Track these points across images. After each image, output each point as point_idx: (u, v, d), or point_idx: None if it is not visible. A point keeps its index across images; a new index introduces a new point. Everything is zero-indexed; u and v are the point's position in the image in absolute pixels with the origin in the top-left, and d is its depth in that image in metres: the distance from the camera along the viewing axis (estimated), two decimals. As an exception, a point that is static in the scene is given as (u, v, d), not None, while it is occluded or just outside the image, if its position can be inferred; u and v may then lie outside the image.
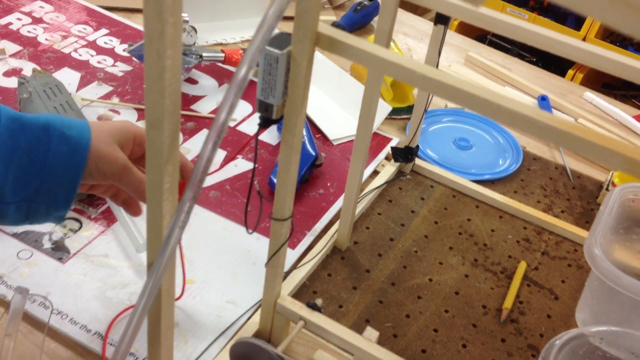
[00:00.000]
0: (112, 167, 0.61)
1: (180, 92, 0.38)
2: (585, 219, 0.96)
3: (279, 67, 0.51)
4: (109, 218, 0.83)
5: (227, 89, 0.38)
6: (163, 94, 0.35)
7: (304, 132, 0.99)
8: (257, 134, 0.56)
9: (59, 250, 0.77)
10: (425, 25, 1.44)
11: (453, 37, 1.43)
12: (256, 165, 0.96)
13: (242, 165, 0.95)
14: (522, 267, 0.86)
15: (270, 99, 0.53)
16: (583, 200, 1.00)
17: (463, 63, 1.32)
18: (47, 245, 0.78)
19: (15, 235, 0.78)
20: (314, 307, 0.68)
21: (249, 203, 0.57)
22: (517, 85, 1.26)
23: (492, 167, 1.04)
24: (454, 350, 0.75)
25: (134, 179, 0.62)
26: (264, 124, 0.55)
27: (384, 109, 1.09)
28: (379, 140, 1.06)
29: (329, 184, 0.95)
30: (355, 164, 0.79)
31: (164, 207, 0.41)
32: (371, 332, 0.66)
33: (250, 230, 0.62)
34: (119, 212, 0.80)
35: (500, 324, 0.78)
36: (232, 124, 1.03)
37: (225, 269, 0.79)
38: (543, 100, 1.19)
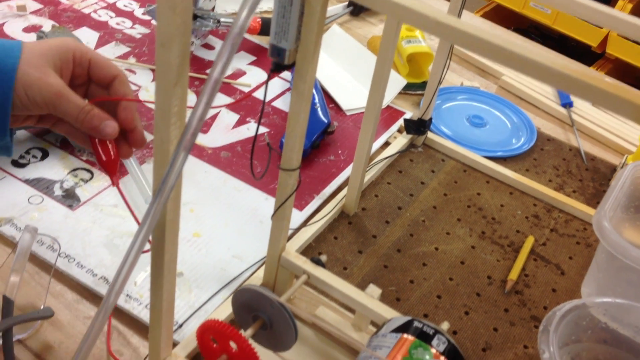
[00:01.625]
0: (43, 94, 0.54)
1: (192, 11, 0.38)
2: (597, 200, 0.95)
3: (293, 10, 0.51)
4: (120, 170, 0.83)
5: (223, 43, 0.38)
6: (174, 11, 0.36)
7: (317, 99, 1.00)
8: (268, 79, 0.56)
9: (69, 198, 0.78)
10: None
11: (473, 20, 1.41)
12: (269, 131, 0.96)
13: (254, 128, 0.96)
14: (529, 241, 0.85)
15: (283, 42, 0.53)
16: (596, 182, 0.99)
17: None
18: (58, 192, 0.79)
19: (27, 182, 0.79)
20: (318, 262, 0.68)
21: (254, 149, 0.57)
22: (535, 68, 1.25)
23: (505, 145, 1.03)
24: (457, 316, 0.74)
25: (71, 107, 0.55)
26: (276, 69, 0.55)
27: (398, 82, 1.09)
28: (392, 114, 1.06)
29: (339, 152, 0.95)
30: (365, 129, 0.79)
31: (172, 131, 0.41)
32: (374, 289, 0.66)
33: (258, 178, 0.62)
34: (130, 164, 0.81)
35: (504, 294, 0.78)
36: (246, 89, 1.04)
37: (232, 225, 0.79)
38: (560, 83, 1.18)
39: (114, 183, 0.61)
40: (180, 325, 0.67)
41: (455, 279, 0.79)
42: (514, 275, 0.80)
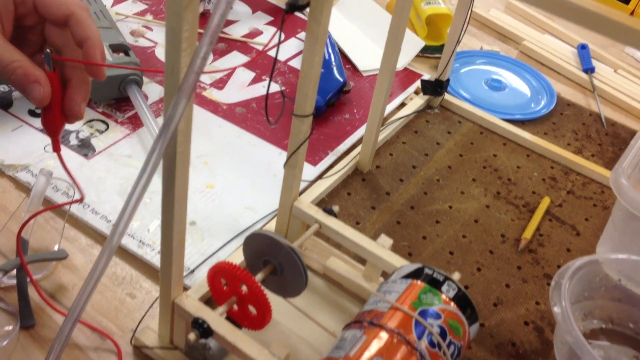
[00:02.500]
0: None
1: None
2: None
3: (308, -54, 0.50)
4: (135, 123, 0.84)
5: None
6: None
7: (333, 59, 0.99)
8: (282, 20, 0.55)
9: (85, 148, 0.79)
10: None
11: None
12: (284, 88, 0.96)
13: (270, 86, 0.95)
14: (545, 202, 0.84)
15: (298, -19, 0.52)
16: (615, 146, 0.98)
17: (503, 10, 1.29)
18: (73, 142, 0.79)
19: (43, 131, 0.80)
20: (330, 212, 0.68)
21: (269, 92, 0.56)
22: (556, 34, 1.23)
23: (524, 109, 1.02)
24: (468, 272, 0.74)
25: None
26: (290, 10, 0.54)
27: (416, 44, 1.07)
28: (410, 76, 1.04)
29: (355, 111, 0.94)
30: (380, 87, 0.78)
31: (182, 58, 0.41)
32: (385, 240, 0.66)
33: (272, 124, 0.61)
34: (145, 116, 0.81)
35: (517, 252, 0.77)
36: (260, 48, 1.03)
37: (245, 178, 0.79)
38: (583, 49, 1.16)
39: (55, 148, 0.53)
40: (192, 271, 0.67)
41: (469, 237, 0.78)
42: (528, 234, 0.79)
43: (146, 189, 0.43)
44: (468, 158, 0.91)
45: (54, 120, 0.51)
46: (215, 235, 0.71)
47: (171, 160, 0.46)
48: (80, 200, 0.57)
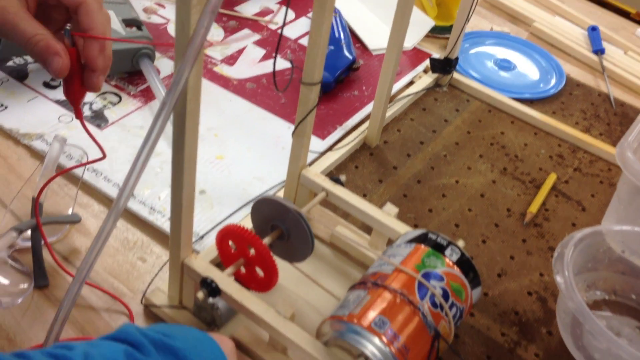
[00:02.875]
0: None
1: None
2: (624, 144, 0.94)
3: None
4: (147, 96, 0.85)
5: None
6: None
7: (343, 37, 1.00)
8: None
9: (98, 119, 0.80)
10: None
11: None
12: (292, 57, 0.97)
13: (279, 63, 0.96)
14: (552, 178, 0.85)
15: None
16: (624, 126, 0.98)
17: (514, -8, 1.28)
18: (87, 113, 0.81)
19: (57, 102, 0.81)
20: (337, 181, 0.69)
21: (276, 58, 0.58)
22: (567, 16, 1.22)
23: (533, 88, 1.02)
24: (473, 244, 0.75)
25: (19, 35, 0.51)
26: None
27: (426, 23, 1.08)
28: (419, 55, 1.05)
29: (364, 88, 0.95)
30: (387, 62, 0.79)
31: (192, 15, 0.42)
32: (391, 208, 0.67)
33: (281, 91, 0.62)
34: (158, 90, 0.82)
35: (523, 226, 0.78)
36: (273, 27, 1.04)
37: (254, 150, 0.81)
38: (593, 31, 1.15)
39: (76, 115, 0.56)
40: (202, 237, 0.68)
41: (474, 210, 0.79)
42: (533, 208, 0.80)
43: (156, 143, 0.45)
44: (475, 135, 0.91)
45: (73, 91, 0.54)
46: (224, 203, 0.73)
47: (181, 117, 0.47)
48: (103, 158, 0.59)
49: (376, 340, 0.50)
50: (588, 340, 0.64)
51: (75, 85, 0.54)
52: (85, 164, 0.67)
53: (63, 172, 0.63)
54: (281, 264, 0.65)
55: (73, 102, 0.55)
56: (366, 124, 0.86)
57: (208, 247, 0.66)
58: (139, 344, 0.44)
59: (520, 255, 0.75)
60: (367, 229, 0.71)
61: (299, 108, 0.64)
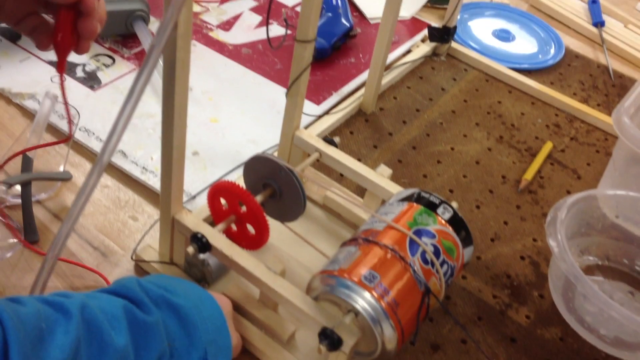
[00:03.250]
0: None
1: None
2: (621, 115, 0.94)
3: None
4: (140, 59, 0.84)
5: None
6: None
7: (340, 4, 0.99)
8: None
9: (91, 80, 0.80)
10: None
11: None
12: (288, 21, 0.96)
13: (275, 29, 0.96)
14: (547, 146, 0.84)
15: None
16: (622, 97, 0.97)
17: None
18: (80, 74, 0.80)
19: (50, 63, 0.80)
20: (330, 142, 0.68)
21: (269, 16, 0.57)
22: (568, -11, 1.21)
23: (531, 59, 1.02)
24: (467, 209, 0.75)
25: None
26: None
27: (425, -8, 1.07)
28: (417, 24, 1.04)
29: (360, 55, 0.94)
30: (383, 29, 0.78)
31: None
32: (384, 169, 0.67)
33: (275, 48, 0.62)
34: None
35: (517, 193, 0.78)
36: (270, -6, 1.03)
37: (249, 113, 0.80)
38: (593, 4, 1.14)
39: (59, 67, 0.54)
40: (194, 197, 0.68)
41: (469, 177, 0.79)
42: (529, 175, 0.79)
43: (144, 90, 0.44)
44: (472, 104, 0.91)
45: (63, 38, 0.52)
46: (217, 165, 0.72)
47: (171, 64, 0.47)
48: (68, 140, 0.60)
49: (366, 294, 0.50)
50: (580, 303, 0.64)
51: (67, 32, 0.52)
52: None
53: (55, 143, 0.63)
54: (274, 225, 0.65)
55: (59, 51, 0.53)
56: (362, 91, 0.86)
57: (200, 206, 0.66)
58: (139, 300, 0.44)
59: (514, 220, 0.74)
60: (361, 192, 0.71)
61: (292, 66, 0.63)
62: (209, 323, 0.47)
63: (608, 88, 0.98)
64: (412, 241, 0.54)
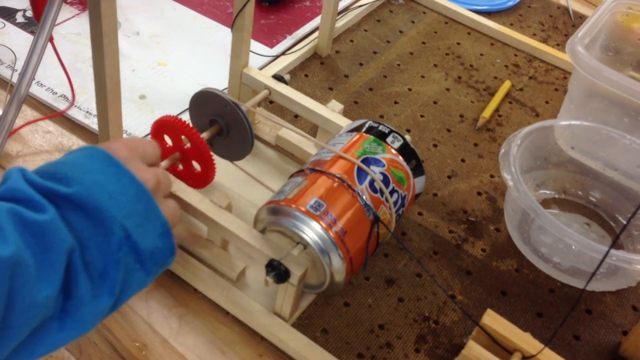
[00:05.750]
0: None
1: None
2: (581, 54, 0.93)
3: None
4: (84, 3, 0.81)
5: None
6: None
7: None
8: None
9: (32, 25, 0.76)
10: None
11: None
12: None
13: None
14: (506, 85, 0.83)
15: None
16: (581, 37, 0.96)
17: None
18: (20, 20, 0.77)
19: (-13, 9, 0.77)
20: (280, 79, 0.66)
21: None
22: None
23: (491, 1, 1.00)
24: (424, 148, 0.73)
25: None
26: None
27: None
28: (375, -32, 1.01)
29: (316, -1, 0.92)
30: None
31: None
32: (335, 104, 0.65)
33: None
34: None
35: (475, 131, 0.77)
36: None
37: (199, 57, 0.77)
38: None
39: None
40: (140, 140, 0.66)
41: (427, 116, 0.78)
42: (486, 113, 0.78)
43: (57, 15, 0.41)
44: (431, 45, 0.89)
45: None
46: (165, 108, 0.70)
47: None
48: None
49: (314, 224, 0.49)
50: (535, 235, 0.63)
51: None
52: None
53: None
54: (224, 166, 0.63)
55: None
56: (317, 34, 0.83)
57: (147, 149, 0.64)
58: (27, 199, 0.37)
59: (471, 158, 0.73)
60: (314, 132, 0.69)
61: (236, -2, 0.60)
62: (119, 197, 0.40)
63: (568, 28, 0.97)
64: (360, 170, 0.52)
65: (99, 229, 0.39)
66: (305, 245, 0.49)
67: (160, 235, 0.42)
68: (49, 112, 0.68)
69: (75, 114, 0.67)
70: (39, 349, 0.38)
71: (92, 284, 0.39)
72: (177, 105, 0.70)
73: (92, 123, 0.66)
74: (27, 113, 0.67)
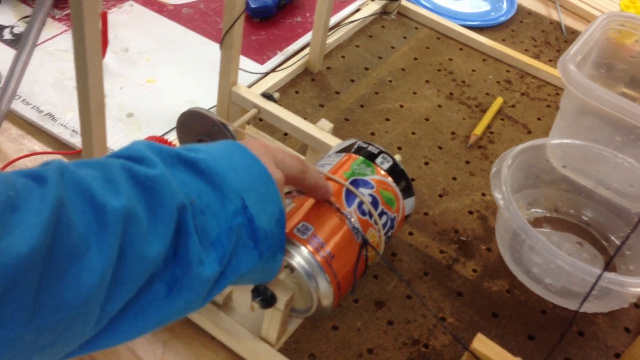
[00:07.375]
0: None
1: None
2: (573, 70, 0.92)
3: None
4: (73, 20, 0.80)
5: None
6: None
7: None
8: None
9: (19, 42, 0.75)
10: None
11: None
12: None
13: (219, -11, 0.92)
14: (498, 102, 0.83)
15: None
16: (574, 53, 0.96)
17: None
18: (7, 37, 0.76)
19: (-26, 25, 0.76)
20: (269, 97, 0.66)
21: None
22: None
23: (483, 16, 1.00)
24: (416, 166, 0.73)
25: None
26: None
27: (375, -50, 1.04)
28: (367, -17, 1.01)
29: (307, 14, 0.91)
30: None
31: None
32: (325, 123, 0.64)
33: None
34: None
35: (467, 148, 0.76)
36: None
37: (188, 74, 0.77)
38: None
39: None
40: (127, 159, 0.65)
41: (418, 134, 0.77)
42: (478, 130, 0.78)
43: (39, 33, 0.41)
44: (423, 61, 0.89)
45: None
46: (153, 126, 0.69)
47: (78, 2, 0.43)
48: None
49: (302, 249, 0.48)
50: (526, 255, 0.62)
51: None
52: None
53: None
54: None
55: None
56: (308, 50, 0.83)
57: (133, 168, 0.63)
58: (140, 157, 0.37)
59: (462, 176, 0.73)
60: (304, 151, 0.68)
61: (224, 16, 0.60)
62: (241, 172, 0.40)
63: (560, 44, 0.97)
64: (348, 192, 0.52)
65: (216, 194, 0.38)
66: (292, 269, 0.49)
67: (277, 221, 0.41)
68: (34, 130, 0.67)
69: (61, 132, 0.66)
70: (146, 316, 0.36)
71: (202, 247, 0.37)
72: (166, 123, 0.69)
73: (78, 142, 0.65)
74: (12, 131, 0.67)
